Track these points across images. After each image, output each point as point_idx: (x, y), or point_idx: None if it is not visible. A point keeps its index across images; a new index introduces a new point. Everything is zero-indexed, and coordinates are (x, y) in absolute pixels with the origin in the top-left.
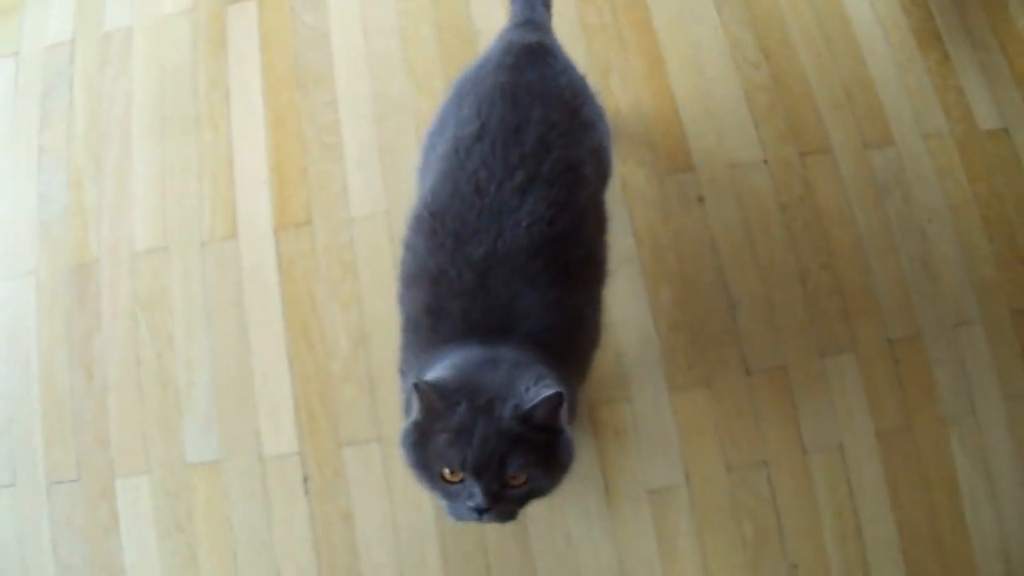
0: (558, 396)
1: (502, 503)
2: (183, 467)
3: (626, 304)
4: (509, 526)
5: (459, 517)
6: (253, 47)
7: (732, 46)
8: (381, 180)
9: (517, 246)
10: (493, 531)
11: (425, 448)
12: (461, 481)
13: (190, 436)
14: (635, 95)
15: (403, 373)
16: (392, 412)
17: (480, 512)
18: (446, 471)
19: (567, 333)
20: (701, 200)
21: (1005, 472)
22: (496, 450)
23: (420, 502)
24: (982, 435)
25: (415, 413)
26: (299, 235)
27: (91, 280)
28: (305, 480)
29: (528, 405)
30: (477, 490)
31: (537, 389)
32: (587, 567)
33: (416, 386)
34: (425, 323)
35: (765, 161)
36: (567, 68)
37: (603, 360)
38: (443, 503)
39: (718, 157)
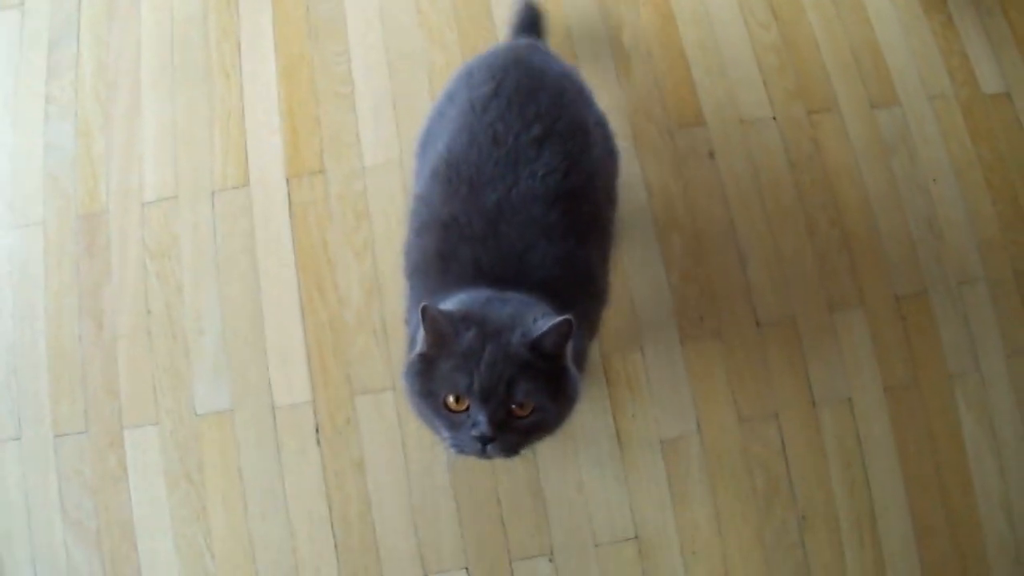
0: (567, 323)
1: (507, 433)
2: (193, 417)
3: (639, 254)
4: (522, 474)
5: (462, 450)
6: None
7: (742, 6)
8: (395, 129)
9: (532, 195)
10: (506, 479)
11: (431, 376)
12: (466, 410)
13: (200, 386)
14: (646, 50)
15: (409, 323)
16: None
17: (484, 443)
18: (451, 399)
19: (577, 286)
20: (712, 155)
21: (1008, 427)
22: (503, 374)
23: (433, 451)
24: (986, 391)
25: (421, 344)
26: (312, 183)
27: (100, 230)
28: (317, 429)
29: (538, 332)
30: (482, 417)
31: (546, 320)
32: (599, 514)
33: (424, 310)
34: (434, 268)
35: (774, 118)
36: (565, 66)
37: (616, 311)
38: (446, 437)
39: (728, 113)
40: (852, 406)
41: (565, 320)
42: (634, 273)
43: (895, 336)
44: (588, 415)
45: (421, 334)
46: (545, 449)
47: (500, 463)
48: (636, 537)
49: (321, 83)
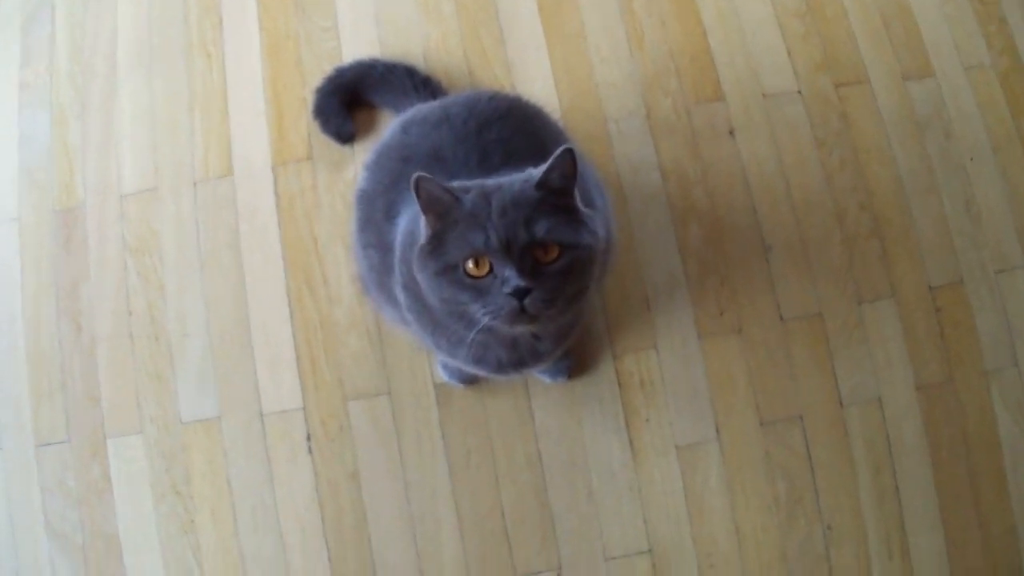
0: (568, 152)
1: (542, 280)
2: (178, 425)
3: (652, 241)
4: (527, 484)
5: (498, 314)
6: None
7: None
8: (388, 110)
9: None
10: (511, 489)
11: (443, 251)
12: (489, 272)
13: (185, 392)
14: (659, 17)
15: (354, 251)
16: (402, 363)
17: (520, 296)
18: (470, 264)
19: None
20: (732, 133)
21: None
22: (517, 218)
23: (433, 460)
24: None
25: (424, 231)
26: (299, 172)
27: (77, 225)
28: (308, 437)
29: (541, 171)
30: (510, 270)
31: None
32: (610, 526)
33: (418, 182)
34: (395, 173)
35: (799, 92)
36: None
37: (628, 304)
38: (477, 311)
39: (749, 86)
40: (882, 406)
41: (565, 150)
42: (648, 263)
43: (928, 330)
44: (598, 420)
45: (422, 222)
46: (551, 457)
47: (504, 467)
48: (650, 551)
49: (308, 61)
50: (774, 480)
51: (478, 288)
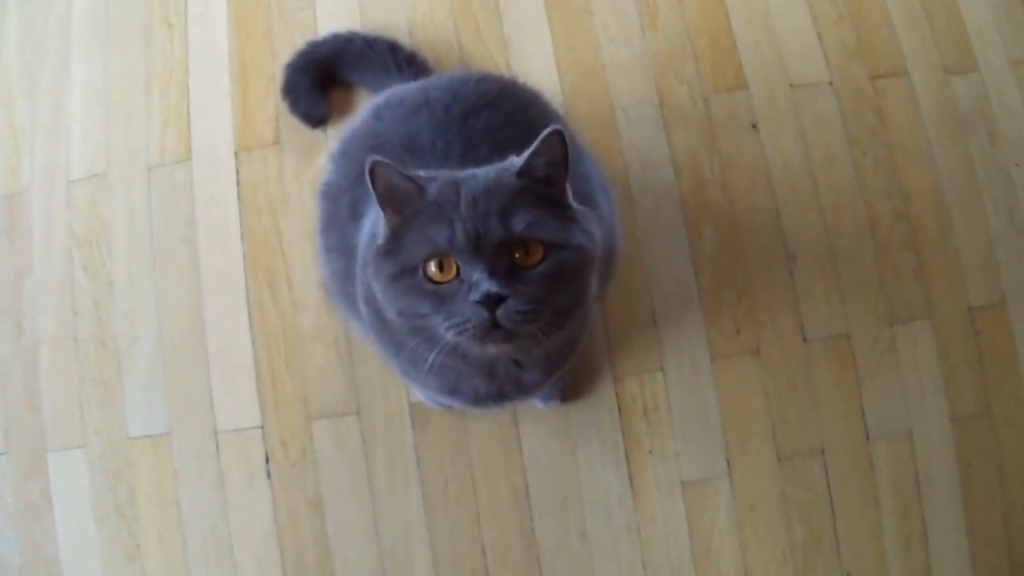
0: (557, 133)
1: (521, 286)
2: (124, 440)
3: (662, 246)
4: (512, 519)
5: (464, 329)
6: None
7: None
8: (367, 90)
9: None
10: (493, 524)
11: (400, 250)
12: (456, 276)
13: (132, 403)
14: None
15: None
16: (374, 379)
17: (492, 305)
18: (431, 266)
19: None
20: (755, 126)
21: None
22: (491, 208)
23: (407, 489)
24: None
25: (383, 229)
26: (264, 158)
27: (22, 213)
28: (267, 459)
29: (524, 157)
30: (479, 273)
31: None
32: (605, 569)
33: (374, 167)
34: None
35: (830, 83)
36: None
37: (632, 318)
38: (440, 323)
39: (775, 75)
40: (912, 440)
41: (553, 131)
42: (656, 271)
43: (966, 355)
44: (595, 450)
45: (381, 225)
46: (540, 490)
47: (486, 500)
48: None
49: (280, 33)
50: (790, 522)
51: (440, 295)
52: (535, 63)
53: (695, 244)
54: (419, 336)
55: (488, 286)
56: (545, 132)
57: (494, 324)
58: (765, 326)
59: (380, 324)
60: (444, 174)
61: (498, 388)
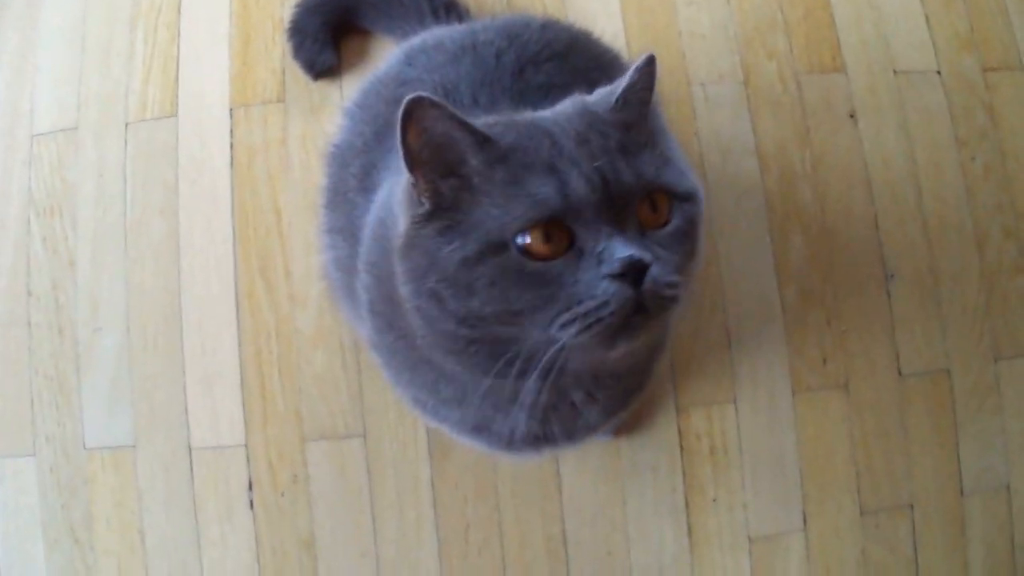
0: (652, 60)
1: (658, 249)
2: (81, 451)
3: (741, 255)
4: (545, 573)
5: (596, 318)
6: None
7: None
8: (389, 39)
9: None
10: None
11: (467, 226)
12: (568, 247)
13: (91, 406)
14: None
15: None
16: (385, 395)
17: (639, 274)
18: (536, 236)
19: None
20: (852, 116)
21: None
22: (609, 144)
23: (419, 532)
24: None
25: (411, 201)
26: (266, 117)
27: None
28: (251, 486)
29: (620, 85)
30: (618, 239)
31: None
32: None
33: (410, 106)
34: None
35: (938, 72)
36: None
37: (702, 340)
38: (550, 320)
39: (877, 58)
40: (1010, 497)
41: (649, 57)
42: (733, 285)
43: None
44: (649, 495)
45: (408, 188)
46: (581, 543)
47: (515, 550)
48: None
49: None
50: None
51: (546, 280)
52: (597, 22)
53: (780, 254)
54: (492, 355)
55: (629, 250)
56: (640, 59)
57: (638, 306)
58: (856, 356)
59: (391, 339)
60: (499, 118)
61: (544, 429)
